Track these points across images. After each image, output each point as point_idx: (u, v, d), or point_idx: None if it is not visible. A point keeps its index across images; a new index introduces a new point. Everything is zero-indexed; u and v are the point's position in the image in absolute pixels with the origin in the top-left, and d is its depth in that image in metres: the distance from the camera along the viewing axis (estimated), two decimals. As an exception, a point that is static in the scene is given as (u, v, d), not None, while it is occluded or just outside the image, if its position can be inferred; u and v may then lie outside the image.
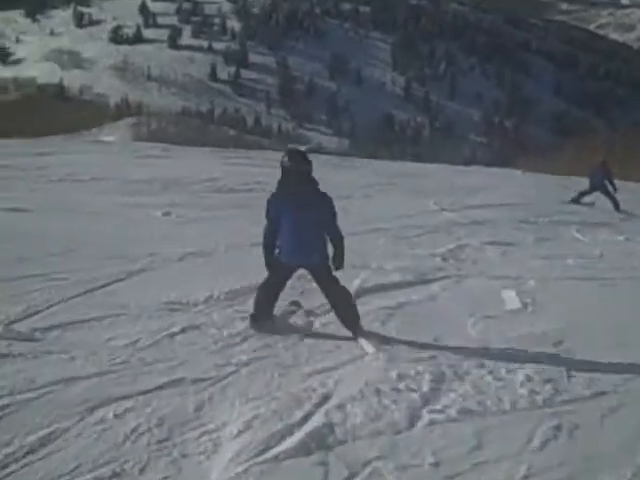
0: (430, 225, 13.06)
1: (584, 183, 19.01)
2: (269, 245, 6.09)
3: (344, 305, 6.11)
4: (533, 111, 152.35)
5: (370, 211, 14.51)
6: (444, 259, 10.00)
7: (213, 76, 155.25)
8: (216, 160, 24.17)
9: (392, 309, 7.06)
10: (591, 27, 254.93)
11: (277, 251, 6.07)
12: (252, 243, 8.40)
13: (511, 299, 7.77)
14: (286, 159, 5.77)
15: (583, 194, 18.60)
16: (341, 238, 6.08)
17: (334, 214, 6.03)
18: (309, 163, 5.83)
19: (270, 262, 6.12)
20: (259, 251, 6.18)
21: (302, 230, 5.86)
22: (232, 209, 14.07)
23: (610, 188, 18.19)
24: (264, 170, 19.03)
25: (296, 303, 6.75)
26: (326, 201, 5.92)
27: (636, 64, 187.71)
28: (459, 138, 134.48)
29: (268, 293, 6.21)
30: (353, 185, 18.16)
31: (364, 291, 7.64)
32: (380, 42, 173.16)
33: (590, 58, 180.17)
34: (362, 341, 5.90)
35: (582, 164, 43.32)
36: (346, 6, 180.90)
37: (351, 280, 7.48)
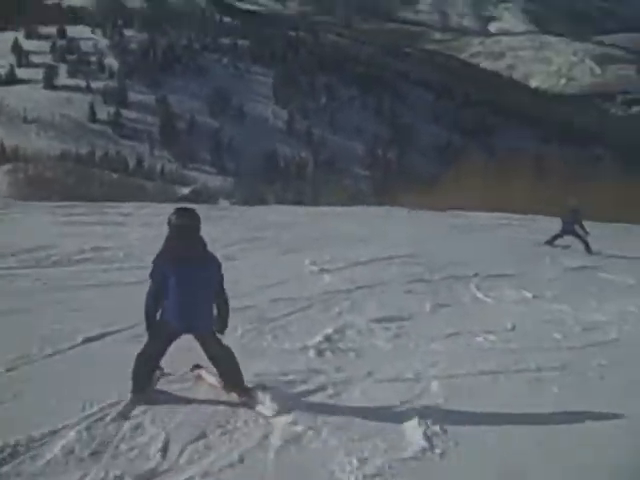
0: (304, 297, 10.61)
1: (474, 218, 18.78)
2: (151, 309, 5.69)
3: (231, 367, 5.91)
4: (414, 141, 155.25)
5: (229, 280, 11.10)
6: (319, 353, 7.83)
7: (92, 117, 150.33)
8: (55, 219, 18.41)
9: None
10: (463, 56, 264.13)
11: (160, 313, 5.73)
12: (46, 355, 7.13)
13: (413, 432, 5.64)
14: (174, 216, 5.51)
15: (555, 237, 18.98)
16: (226, 302, 5.99)
17: (222, 276, 5.90)
18: (198, 220, 5.61)
19: (152, 327, 5.70)
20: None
21: (190, 292, 5.57)
22: (51, 293, 10.30)
23: (581, 232, 18.71)
24: (111, 230, 15.84)
25: (198, 366, 6.46)
26: (214, 262, 5.78)
27: (506, 92, 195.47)
28: (342, 171, 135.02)
29: (149, 361, 5.81)
30: (212, 244, 14.92)
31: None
32: (261, 76, 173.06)
33: (464, 87, 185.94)
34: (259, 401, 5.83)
35: (468, 194, 43.70)
36: (225, 40, 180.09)
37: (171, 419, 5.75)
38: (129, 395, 5.81)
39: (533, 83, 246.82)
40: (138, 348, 5.92)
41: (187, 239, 5.50)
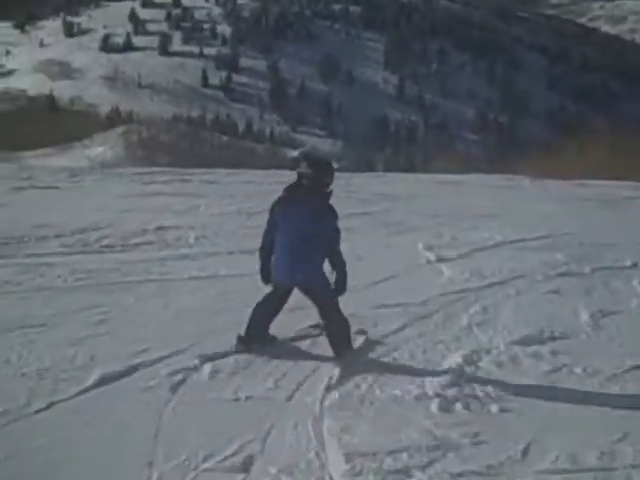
0: (418, 302, 7.62)
1: (602, 188, 16.94)
2: (265, 256, 5.58)
3: (337, 333, 5.61)
4: (527, 106, 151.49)
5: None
6: (443, 407, 4.95)
7: (204, 82, 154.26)
8: (129, 189, 15.52)
9: None
10: (582, 20, 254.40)
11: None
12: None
13: None
14: (304, 165, 5.32)
15: None
16: (342, 261, 5.53)
17: (336, 231, 5.45)
18: (322, 170, 5.37)
19: (267, 276, 5.61)
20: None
21: (293, 244, 5.32)
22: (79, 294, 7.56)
23: None
24: (187, 203, 13.20)
25: (320, 326, 6.00)
26: (329, 217, 5.37)
27: (629, 56, 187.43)
28: (453, 136, 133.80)
29: (261, 313, 5.70)
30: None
31: None
32: (371, 42, 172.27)
33: (582, 51, 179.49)
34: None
35: (588, 164, 42.63)
36: (336, 7, 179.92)
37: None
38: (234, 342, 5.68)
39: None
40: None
41: (304, 188, 5.25)
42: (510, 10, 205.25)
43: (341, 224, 5.62)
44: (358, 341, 5.99)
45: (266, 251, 5.53)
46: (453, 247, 10.76)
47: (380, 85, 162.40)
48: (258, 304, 5.68)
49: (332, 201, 5.47)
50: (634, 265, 9.92)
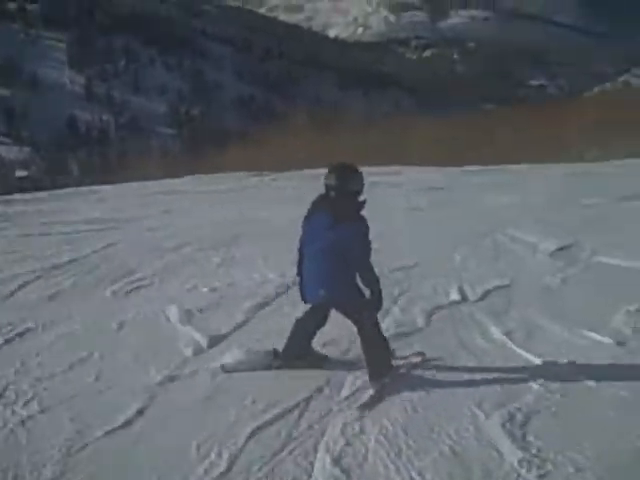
0: None
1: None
2: (299, 276, 5.12)
3: (371, 349, 4.95)
4: (218, 97, 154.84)
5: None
6: None
7: None
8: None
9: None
10: (262, 10, 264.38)
11: None
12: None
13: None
14: (332, 175, 4.72)
15: None
16: (372, 274, 4.81)
17: (365, 243, 4.75)
18: (357, 183, 4.77)
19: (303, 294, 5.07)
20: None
21: (317, 258, 4.85)
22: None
23: None
24: None
25: (420, 354, 5.40)
26: (357, 226, 4.71)
27: (306, 43, 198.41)
28: (147, 132, 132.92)
29: (301, 329, 5.28)
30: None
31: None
32: (54, 41, 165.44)
33: (265, 40, 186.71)
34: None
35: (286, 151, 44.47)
36: (12, 5, 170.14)
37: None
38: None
39: (332, 33, 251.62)
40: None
41: (330, 199, 4.79)
42: (194, 3, 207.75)
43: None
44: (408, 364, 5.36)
45: (299, 269, 5.10)
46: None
47: (67, 86, 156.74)
48: (298, 320, 5.30)
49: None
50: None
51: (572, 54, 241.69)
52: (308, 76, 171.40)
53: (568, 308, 6.48)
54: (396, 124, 63.19)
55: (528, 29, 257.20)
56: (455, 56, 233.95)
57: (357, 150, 46.78)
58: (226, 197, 17.96)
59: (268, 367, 5.21)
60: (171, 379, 5.05)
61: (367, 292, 4.80)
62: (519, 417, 4.25)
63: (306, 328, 5.24)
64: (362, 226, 4.70)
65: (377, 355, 4.95)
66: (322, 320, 5.19)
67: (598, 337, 5.63)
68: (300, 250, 5.03)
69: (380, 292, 4.80)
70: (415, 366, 5.22)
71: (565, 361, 5.10)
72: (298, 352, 5.27)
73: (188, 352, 5.59)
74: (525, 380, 4.80)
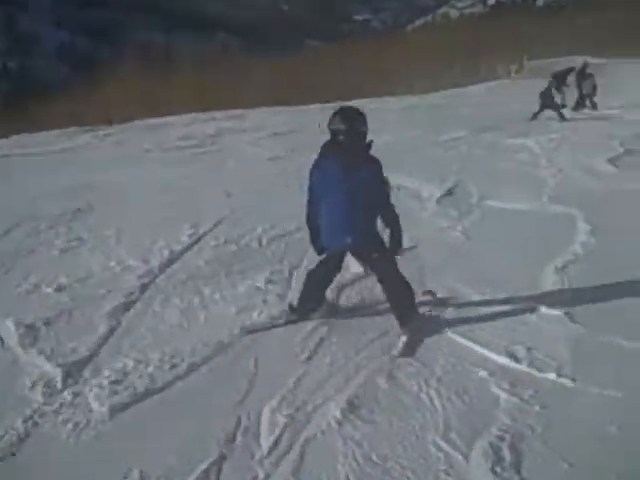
0: None
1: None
2: (314, 225, 4.91)
3: (399, 296, 4.89)
4: (37, 48, 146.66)
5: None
6: None
7: None
8: None
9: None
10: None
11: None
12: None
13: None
14: (337, 119, 4.57)
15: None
16: (395, 215, 4.83)
17: (383, 182, 4.76)
18: (365, 125, 4.64)
19: (319, 245, 4.93)
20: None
21: (338, 205, 4.72)
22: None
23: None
24: None
25: (430, 292, 5.39)
26: (374, 167, 4.66)
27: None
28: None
29: (314, 281, 5.16)
30: None
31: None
32: None
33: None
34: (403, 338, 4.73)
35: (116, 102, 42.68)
36: None
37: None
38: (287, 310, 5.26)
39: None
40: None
41: (340, 144, 4.65)
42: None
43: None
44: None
45: (312, 219, 4.90)
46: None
47: None
48: (310, 273, 5.21)
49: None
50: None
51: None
52: (133, 22, 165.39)
53: (488, 272, 5.70)
54: (227, 67, 62.31)
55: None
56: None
57: (192, 96, 45.75)
58: (60, 159, 15.47)
59: (285, 322, 5.10)
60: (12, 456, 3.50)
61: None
62: (505, 452, 3.30)
63: (320, 279, 5.16)
64: (379, 166, 4.70)
65: (403, 300, 4.92)
66: (336, 270, 5.14)
67: (543, 309, 4.84)
68: (312, 199, 4.89)
69: (400, 232, 4.82)
70: (434, 302, 5.29)
71: (517, 349, 4.31)
72: (313, 304, 5.21)
73: (37, 396, 3.98)
74: (483, 386, 3.93)
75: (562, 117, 17.66)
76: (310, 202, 4.92)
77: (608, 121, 16.58)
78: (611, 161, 10.69)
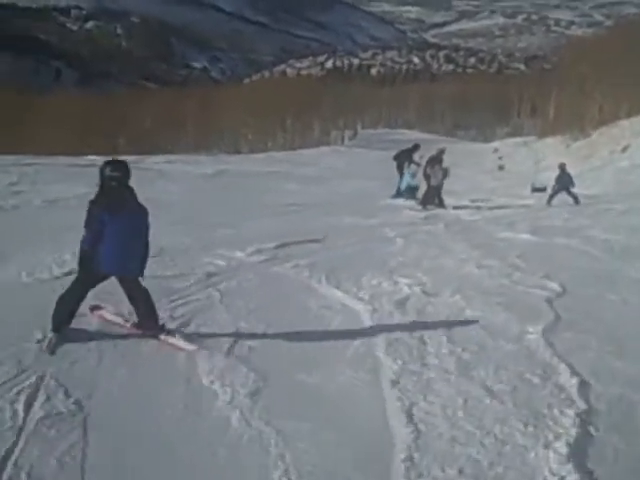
0: None
1: None
2: (88, 254, 5.69)
3: (148, 307, 6.00)
4: None
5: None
6: None
7: None
8: None
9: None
10: None
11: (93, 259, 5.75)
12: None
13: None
14: (108, 168, 5.64)
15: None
16: (147, 246, 6.04)
17: (148, 226, 5.97)
18: (129, 172, 5.72)
19: (85, 272, 5.80)
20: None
21: (125, 238, 5.71)
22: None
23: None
24: None
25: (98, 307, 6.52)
26: (145, 212, 5.87)
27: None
28: None
29: (73, 303, 5.84)
30: None
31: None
32: None
33: None
34: (171, 339, 5.87)
35: None
36: None
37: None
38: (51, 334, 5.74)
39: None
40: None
41: (121, 189, 5.67)
42: None
43: None
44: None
45: (88, 253, 5.67)
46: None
47: None
48: (63, 297, 5.83)
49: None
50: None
51: (233, 40, 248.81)
52: None
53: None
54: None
55: (192, 11, 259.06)
56: (118, 30, 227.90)
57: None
58: None
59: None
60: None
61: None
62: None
63: (73, 302, 5.81)
64: (146, 209, 5.86)
65: (152, 307, 6.00)
66: (86, 294, 5.92)
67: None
68: (94, 234, 5.58)
69: (147, 257, 6.07)
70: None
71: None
72: (64, 325, 5.82)
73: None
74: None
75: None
76: (91, 235, 5.62)
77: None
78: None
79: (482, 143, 60.85)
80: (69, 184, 16.48)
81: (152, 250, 8.44)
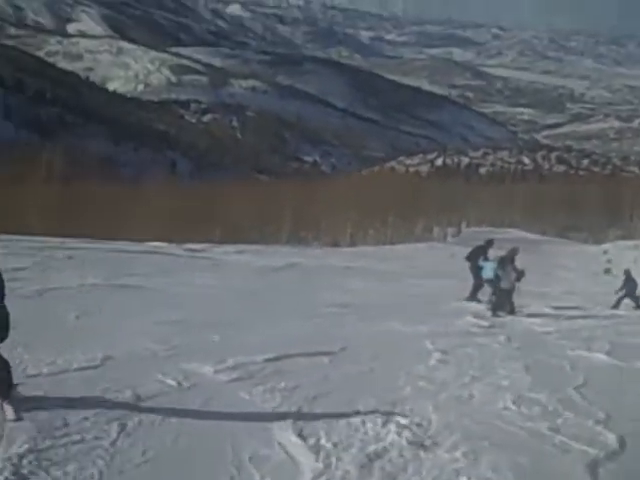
0: None
1: None
2: None
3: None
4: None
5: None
6: None
7: None
8: None
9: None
10: (40, 53, 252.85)
11: None
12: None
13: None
14: None
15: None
16: (5, 308, 5.61)
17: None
18: None
19: None
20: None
21: None
22: None
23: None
24: None
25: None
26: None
27: (83, 92, 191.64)
28: None
29: None
30: None
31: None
32: None
33: (39, 84, 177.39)
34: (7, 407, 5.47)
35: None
36: None
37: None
38: None
39: (111, 86, 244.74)
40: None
41: None
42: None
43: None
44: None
45: None
46: None
47: None
48: None
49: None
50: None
51: (345, 136, 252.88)
52: (80, 125, 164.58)
53: None
54: (162, 190, 60.94)
55: (305, 107, 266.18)
56: (234, 123, 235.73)
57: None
58: None
59: None
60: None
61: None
62: None
63: None
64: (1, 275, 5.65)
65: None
66: None
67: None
68: None
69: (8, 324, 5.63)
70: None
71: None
72: None
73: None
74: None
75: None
76: None
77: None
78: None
79: (593, 245, 57.71)
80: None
81: (98, 357, 7.07)
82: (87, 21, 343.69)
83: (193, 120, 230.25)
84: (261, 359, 7.71)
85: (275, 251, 30.61)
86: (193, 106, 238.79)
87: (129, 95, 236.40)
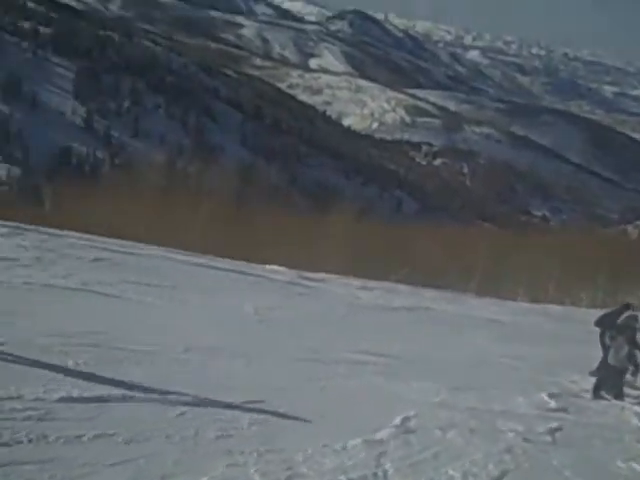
0: None
1: None
2: None
3: None
4: (217, 159, 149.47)
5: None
6: None
7: None
8: None
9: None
10: (282, 85, 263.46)
11: None
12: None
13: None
14: None
15: None
16: None
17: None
18: None
19: None
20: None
21: None
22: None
23: None
24: None
25: None
26: None
27: (319, 125, 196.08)
28: (140, 179, 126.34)
29: None
30: None
31: None
32: (61, 68, 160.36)
33: (277, 114, 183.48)
34: None
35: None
36: (25, 24, 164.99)
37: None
38: None
39: (346, 122, 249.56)
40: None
41: None
42: (214, 64, 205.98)
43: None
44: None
45: None
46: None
47: (67, 115, 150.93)
48: None
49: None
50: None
51: (577, 193, 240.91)
52: (312, 156, 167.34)
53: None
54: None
55: (538, 159, 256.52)
56: (465, 169, 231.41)
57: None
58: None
59: None
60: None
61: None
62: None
63: None
64: None
65: None
66: None
67: None
68: None
69: None
70: None
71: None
72: None
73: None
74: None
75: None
76: None
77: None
78: None
79: None
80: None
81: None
82: (329, 57, 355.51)
83: (423, 162, 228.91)
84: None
85: (415, 292, 26.52)
86: (424, 148, 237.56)
87: (363, 132, 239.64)
